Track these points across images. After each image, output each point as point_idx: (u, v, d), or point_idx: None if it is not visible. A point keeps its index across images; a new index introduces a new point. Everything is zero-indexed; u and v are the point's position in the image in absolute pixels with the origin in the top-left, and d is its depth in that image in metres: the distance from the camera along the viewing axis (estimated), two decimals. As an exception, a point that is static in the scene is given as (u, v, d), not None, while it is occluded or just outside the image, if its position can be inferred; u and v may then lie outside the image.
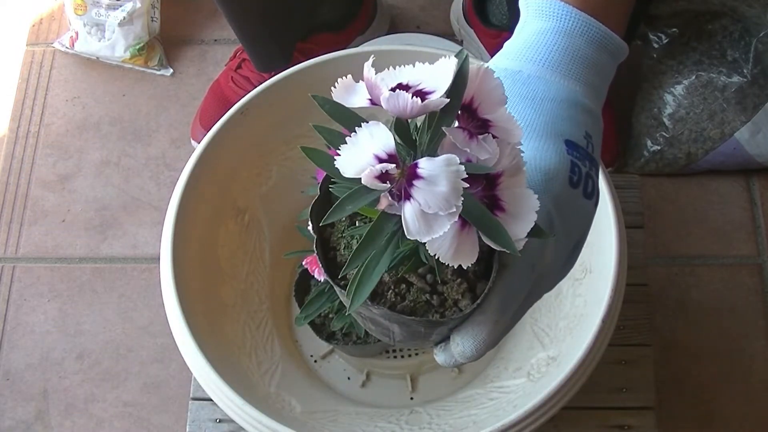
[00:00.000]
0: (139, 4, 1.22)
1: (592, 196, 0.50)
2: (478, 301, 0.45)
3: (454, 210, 0.39)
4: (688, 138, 1.09)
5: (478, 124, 0.42)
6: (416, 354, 0.88)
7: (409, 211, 0.39)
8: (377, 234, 0.41)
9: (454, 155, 0.39)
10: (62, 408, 1.06)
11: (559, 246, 0.48)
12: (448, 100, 0.40)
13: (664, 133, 1.10)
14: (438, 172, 0.39)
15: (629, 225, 0.81)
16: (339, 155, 0.39)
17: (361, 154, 0.39)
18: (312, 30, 1.16)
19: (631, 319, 0.91)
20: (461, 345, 0.46)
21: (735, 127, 1.07)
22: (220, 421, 0.86)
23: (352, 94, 0.42)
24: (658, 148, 1.11)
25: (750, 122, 1.06)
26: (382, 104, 0.40)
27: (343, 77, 0.43)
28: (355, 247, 0.46)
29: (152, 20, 1.25)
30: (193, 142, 1.19)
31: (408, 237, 0.39)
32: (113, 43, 1.25)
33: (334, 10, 1.17)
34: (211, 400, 0.73)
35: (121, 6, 1.23)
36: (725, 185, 1.14)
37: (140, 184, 1.19)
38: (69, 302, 1.12)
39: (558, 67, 0.50)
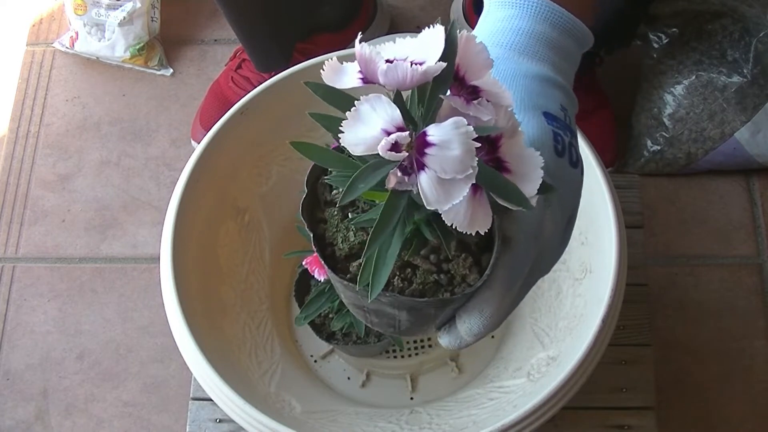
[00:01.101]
0: (139, 4, 1.22)
1: (577, 164, 0.50)
2: (488, 272, 0.45)
3: (471, 171, 0.38)
4: (688, 138, 1.09)
5: (468, 91, 0.42)
6: (416, 354, 0.88)
7: (425, 181, 0.39)
8: (391, 212, 0.41)
9: (461, 118, 0.39)
10: (62, 408, 1.06)
11: (555, 217, 0.48)
12: (446, 64, 0.40)
13: (664, 133, 1.10)
14: (449, 136, 0.38)
15: (629, 225, 0.81)
16: (342, 132, 0.39)
17: (369, 129, 0.39)
18: (312, 30, 1.16)
19: (631, 319, 0.91)
20: (468, 322, 0.46)
21: (735, 127, 1.07)
22: (220, 421, 0.86)
23: (341, 75, 0.42)
24: (658, 148, 1.11)
25: (750, 122, 1.06)
26: (380, 78, 0.39)
27: (329, 59, 0.42)
28: (352, 239, 0.46)
29: (152, 20, 1.25)
30: (193, 142, 1.19)
31: (428, 207, 0.39)
32: (113, 43, 1.25)
33: (334, 10, 1.17)
34: (211, 400, 0.73)
35: (121, 6, 1.23)
36: (725, 185, 1.14)
37: (140, 184, 1.19)
38: (69, 302, 1.12)
39: (525, 50, 0.50)
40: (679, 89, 1.08)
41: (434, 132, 0.39)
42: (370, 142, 0.38)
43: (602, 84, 1.16)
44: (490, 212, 0.41)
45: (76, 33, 1.26)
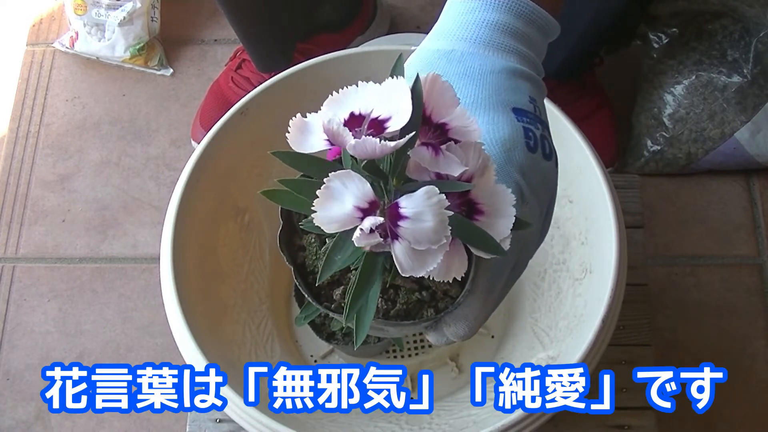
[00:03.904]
0: (139, 4, 1.22)
1: (551, 157, 0.50)
2: (468, 286, 0.45)
3: (445, 241, 0.38)
4: (688, 138, 1.09)
5: (436, 132, 0.42)
6: (416, 354, 0.88)
7: (399, 251, 0.38)
8: (370, 274, 0.41)
9: (432, 187, 0.38)
10: (62, 408, 1.06)
11: (533, 213, 0.48)
12: (414, 133, 0.39)
13: (664, 133, 1.10)
14: (421, 209, 0.38)
15: (629, 225, 0.81)
16: (315, 212, 0.38)
17: (341, 207, 0.38)
18: (312, 30, 1.16)
19: (631, 319, 0.91)
20: (453, 326, 0.47)
21: (735, 127, 1.07)
22: (220, 421, 0.86)
23: (308, 136, 0.41)
24: (658, 148, 1.11)
25: (750, 122, 1.06)
26: (349, 151, 0.39)
27: (293, 117, 0.42)
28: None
29: (152, 20, 1.25)
30: (193, 142, 1.19)
31: (403, 275, 0.39)
32: (113, 43, 1.25)
33: (334, 10, 1.17)
34: (211, 400, 0.73)
35: (121, 6, 1.23)
36: (725, 185, 1.14)
37: (140, 184, 1.19)
38: (69, 302, 1.12)
39: (489, 42, 0.50)
40: (679, 89, 1.08)
41: (406, 204, 0.38)
42: (344, 219, 0.38)
43: (602, 84, 1.16)
44: (465, 257, 0.41)
45: (76, 33, 1.26)
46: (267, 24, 1.07)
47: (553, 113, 0.77)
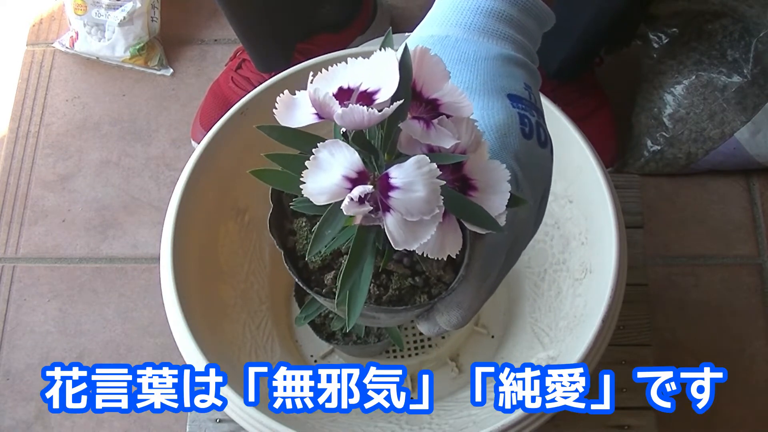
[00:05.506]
0: (139, 4, 1.22)
1: (547, 144, 0.50)
2: (462, 272, 0.45)
3: (437, 211, 0.37)
4: (688, 138, 1.09)
5: (427, 108, 0.41)
6: (416, 354, 0.88)
7: (391, 223, 0.38)
8: (362, 249, 0.40)
9: (423, 156, 0.38)
10: (62, 408, 1.06)
11: (528, 200, 0.48)
12: (402, 101, 0.39)
13: (664, 133, 1.10)
14: (412, 178, 0.37)
15: (629, 225, 0.81)
16: (304, 183, 0.38)
17: (329, 178, 0.38)
18: (312, 30, 1.16)
19: (631, 319, 0.91)
20: (446, 314, 0.46)
21: (735, 127, 1.07)
22: (220, 421, 0.86)
23: (295, 111, 0.41)
24: (658, 148, 1.11)
25: (750, 122, 1.06)
26: (336, 121, 0.38)
27: (281, 93, 0.41)
28: (324, 250, 0.45)
29: (152, 20, 1.25)
30: (193, 142, 1.19)
31: (395, 248, 0.38)
32: (113, 43, 1.25)
33: (335, 10, 1.17)
34: (211, 400, 0.73)
35: (121, 6, 1.23)
36: (725, 185, 1.14)
37: (140, 184, 1.19)
38: (69, 302, 1.12)
39: (484, 29, 0.50)
40: (679, 89, 1.08)
41: (397, 174, 0.37)
42: (333, 190, 0.37)
43: (602, 84, 1.16)
44: (460, 233, 0.40)
45: (76, 33, 1.26)
46: (267, 24, 1.07)
47: (553, 113, 0.77)
